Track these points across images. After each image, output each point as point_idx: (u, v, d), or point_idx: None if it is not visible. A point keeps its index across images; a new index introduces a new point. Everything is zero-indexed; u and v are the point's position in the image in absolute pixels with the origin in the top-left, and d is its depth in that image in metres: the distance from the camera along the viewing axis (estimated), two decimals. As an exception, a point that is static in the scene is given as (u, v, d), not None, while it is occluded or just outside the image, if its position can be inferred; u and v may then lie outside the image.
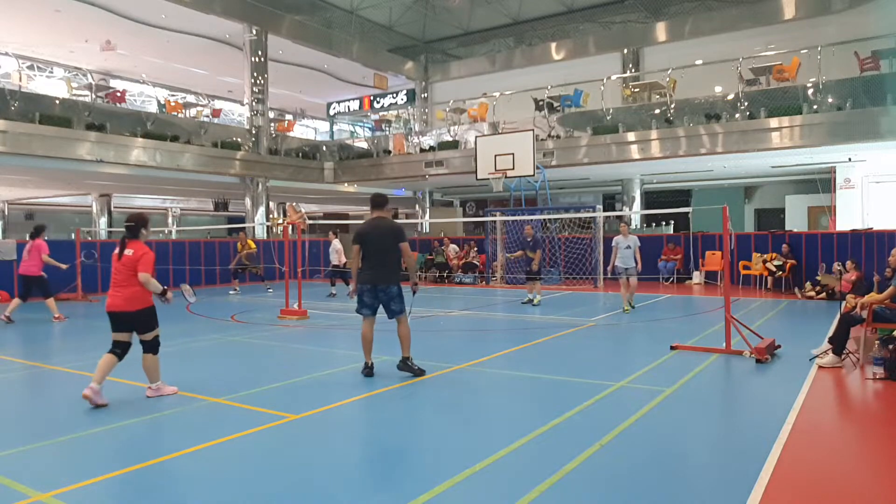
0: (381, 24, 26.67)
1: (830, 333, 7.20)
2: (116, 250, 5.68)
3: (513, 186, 18.76)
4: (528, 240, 13.08)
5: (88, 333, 10.26)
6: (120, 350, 5.69)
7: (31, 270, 11.11)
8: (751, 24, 20.96)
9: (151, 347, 5.78)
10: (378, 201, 6.86)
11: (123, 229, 5.81)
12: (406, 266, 6.80)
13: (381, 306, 6.69)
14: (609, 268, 11.70)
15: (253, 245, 16.42)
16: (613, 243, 11.69)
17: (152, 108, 22.30)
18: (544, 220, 16.66)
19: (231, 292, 16.21)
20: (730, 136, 16.57)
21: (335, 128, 32.94)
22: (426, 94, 28.89)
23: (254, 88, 21.64)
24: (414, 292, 6.85)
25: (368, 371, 6.64)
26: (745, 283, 16.37)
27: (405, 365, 6.68)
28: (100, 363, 5.57)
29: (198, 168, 19.94)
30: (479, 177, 18.41)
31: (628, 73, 22.81)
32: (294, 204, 28.44)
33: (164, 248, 18.77)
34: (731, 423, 5.23)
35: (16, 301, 11.28)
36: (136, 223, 5.79)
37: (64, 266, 12.39)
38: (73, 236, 15.83)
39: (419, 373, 6.60)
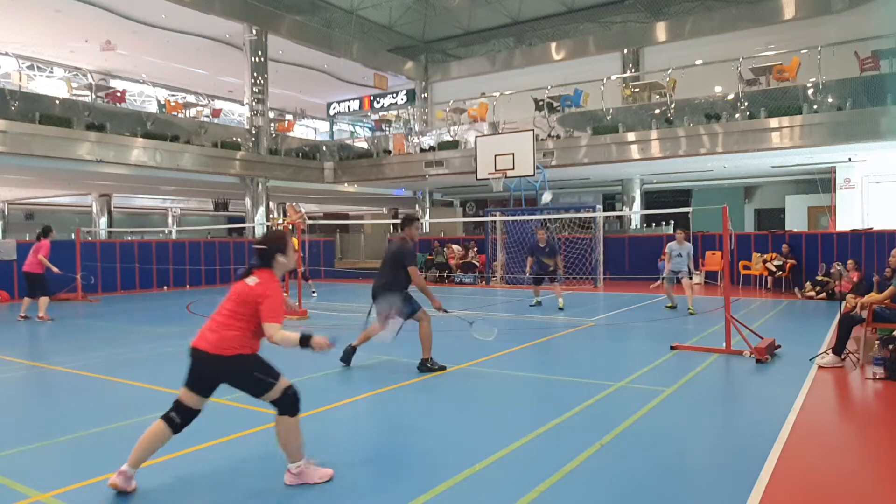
0: (381, 24, 26.67)
1: (832, 342, 7.17)
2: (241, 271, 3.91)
3: (513, 186, 18.76)
4: (543, 246, 12.36)
5: (88, 334, 10.27)
6: (180, 417, 3.76)
7: (32, 268, 11.40)
8: (751, 24, 20.96)
9: (284, 406, 3.77)
10: (402, 222, 7.36)
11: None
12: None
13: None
14: (665, 273, 11.94)
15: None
16: (667, 249, 11.78)
17: (152, 108, 22.30)
18: (544, 220, 16.70)
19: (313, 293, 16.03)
20: (730, 136, 16.57)
21: (335, 128, 32.95)
22: (426, 94, 28.89)
23: (254, 88, 21.64)
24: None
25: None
26: (745, 283, 16.37)
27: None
28: (144, 436, 3.73)
29: (198, 168, 19.94)
30: (479, 177, 18.42)
31: (628, 73, 22.81)
32: (294, 204, 28.46)
33: (165, 247, 18.77)
34: (731, 423, 5.22)
35: (27, 300, 11.60)
36: (269, 247, 3.85)
37: (56, 270, 12.36)
38: (73, 236, 15.83)
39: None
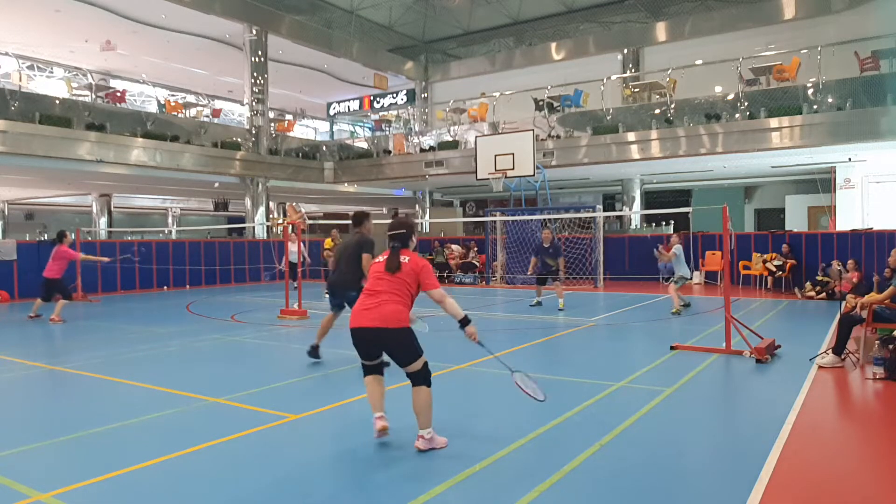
0: (381, 24, 26.68)
1: (832, 342, 7.16)
2: (381, 258, 4.55)
3: (513, 186, 18.76)
4: (547, 246, 12.39)
5: (89, 334, 10.27)
6: (378, 369, 4.61)
7: (52, 274, 11.32)
8: (751, 24, 20.97)
9: (425, 378, 4.39)
10: (355, 220, 7.40)
11: (389, 238, 4.55)
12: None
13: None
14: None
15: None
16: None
17: (152, 108, 22.31)
18: (544, 220, 16.75)
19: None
20: (730, 136, 16.58)
21: (335, 128, 32.96)
22: (426, 94, 28.90)
23: (254, 88, 21.65)
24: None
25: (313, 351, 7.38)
26: (745, 283, 16.37)
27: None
28: (369, 392, 4.56)
29: (198, 168, 19.95)
30: (479, 177, 18.41)
31: (628, 73, 22.81)
32: (294, 204, 28.44)
33: (165, 247, 18.77)
34: (731, 423, 5.22)
35: (38, 301, 11.56)
36: (407, 230, 4.57)
37: (107, 259, 13.31)
38: (73, 236, 15.82)
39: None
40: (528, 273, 13.21)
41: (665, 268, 17.63)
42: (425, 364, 4.41)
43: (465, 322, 4.38)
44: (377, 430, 4.42)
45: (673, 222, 22.36)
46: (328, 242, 16.16)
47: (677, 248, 11.57)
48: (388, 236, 4.54)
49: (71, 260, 11.62)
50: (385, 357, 4.53)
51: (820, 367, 6.79)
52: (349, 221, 7.71)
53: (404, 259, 4.42)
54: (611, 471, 3.99)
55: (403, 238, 4.52)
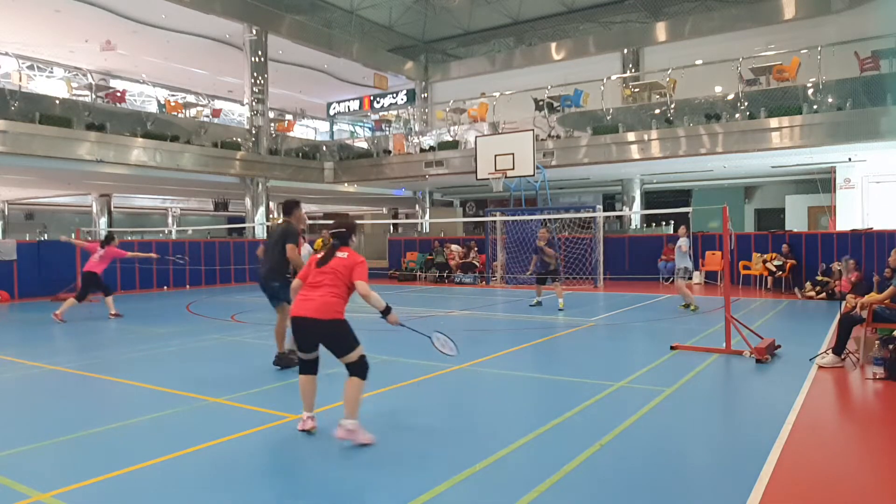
0: (381, 24, 26.68)
1: (832, 342, 7.16)
2: (319, 256, 4.80)
3: (513, 186, 18.76)
4: (544, 244, 12.42)
5: (89, 334, 10.26)
6: (312, 368, 4.83)
7: (94, 268, 11.64)
8: (751, 24, 20.97)
9: (359, 369, 4.57)
10: (284, 208, 7.30)
11: (331, 237, 4.85)
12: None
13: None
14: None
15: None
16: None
17: (152, 108, 22.31)
18: (544, 220, 16.74)
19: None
20: (730, 136, 16.57)
21: (335, 128, 32.96)
22: (426, 94, 28.89)
23: (254, 88, 21.64)
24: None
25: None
26: (745, 283, 16.37)
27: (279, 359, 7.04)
28: (301, 389, 4.83)
29: (198, 168, 19.95)
30: (479, 177, 18.41)
31: (628, 73, 22.81)
32: (294, 204, 28.38)
33: (164, 248, 18.75)
34: (732, 422, 5.23)
35: (108, 299, 11.93)
36: (348, 230, 4.88)
37: (155, 255, 14.05)
38: (73, 236, 15.82)
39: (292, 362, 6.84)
40: (528, 273, 13.22)
41: (665, 268, 17.67)
42: (362, 357, 4.58)
43: (386, 311, 4.58)
44: (305, 429, 4.74)
45: (673, 222, 22.36)
46: (318, 244, 16.16)
47: (683, 241, 11.62)
48: (329, 234, 4.89)
49: (119, 258, 12.16)
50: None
51: (820, 367, 6.79)
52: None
53: (342, 255, 4.70)
54: (611, 471, 4.00)
55: (343, 237, 4.84)
